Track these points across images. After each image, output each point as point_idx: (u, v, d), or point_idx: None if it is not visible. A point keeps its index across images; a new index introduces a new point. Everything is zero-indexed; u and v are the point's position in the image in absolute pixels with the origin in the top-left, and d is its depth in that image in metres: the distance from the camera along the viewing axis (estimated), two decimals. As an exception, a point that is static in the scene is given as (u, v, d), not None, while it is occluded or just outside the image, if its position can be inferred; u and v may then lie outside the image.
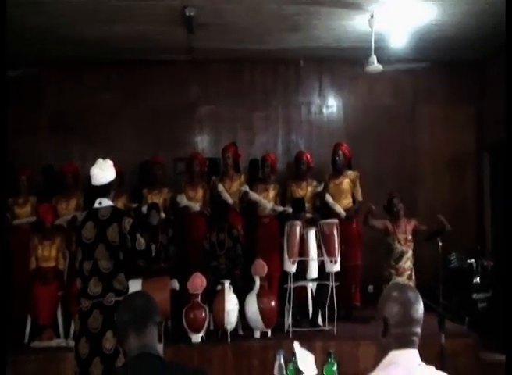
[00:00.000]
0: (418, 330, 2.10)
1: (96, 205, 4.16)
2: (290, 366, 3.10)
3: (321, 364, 3.30)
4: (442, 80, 8.17)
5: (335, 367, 3.10)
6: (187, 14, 5.92)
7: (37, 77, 7.87)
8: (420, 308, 2.12)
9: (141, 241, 4.20)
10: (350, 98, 8.29)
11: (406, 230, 6.37)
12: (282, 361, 3.11)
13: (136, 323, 2.14)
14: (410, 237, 6.36)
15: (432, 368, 2.10)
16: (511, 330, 4.42)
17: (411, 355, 2.08)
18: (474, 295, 6.36)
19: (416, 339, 2.09)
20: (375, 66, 6.43)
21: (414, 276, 6.32)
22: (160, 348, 2.18)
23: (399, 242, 6.32)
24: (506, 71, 4.95)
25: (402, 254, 6.30)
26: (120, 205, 6.36)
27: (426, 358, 2.11)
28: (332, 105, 8.31)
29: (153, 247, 4.55)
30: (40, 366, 5.37)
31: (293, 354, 3.14)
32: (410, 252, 6.34)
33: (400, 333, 2.07)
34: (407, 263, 6.29)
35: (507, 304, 5.44)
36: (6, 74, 6.12)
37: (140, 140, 7.98)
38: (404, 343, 2.07)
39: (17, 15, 5.97)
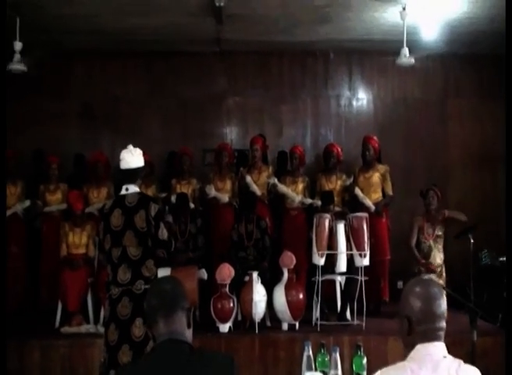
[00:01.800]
0: (443, 324, 2.08)
1: (123, 191, 4.14)
2: (319, 358, 3.06)
3: (349, 358, 3.26)
4: (474, 73, 8.08)
5: (364, 360, 3.05)
6: (217, 4, 5.89)
7: (66, 66, 7.92)
8: (443, 303, 2.09)
9: (164, 231, 4.14)
10: (380, 90, 8.23)
11: (435, 224, 6.29)
12: (310, 352, 3.07)
13: (165, 308, 2.14)
14: (440, 232, 6.27)
15: (460, 361, 2.08)
16: None
17: (437, 347, 2.06)
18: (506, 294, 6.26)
19: (441, 333, 2.08)
20: (406, 58, 6.35)
21: (444, 274, 6.25)
22: (189, 334, 2.18)
23: (428, 236, 6.24)
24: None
25: (430, 249, 6.22)
26: (150, 194, 6.37)
27: (457, 355, 2.09)
28: (362, 97, 8.25)
29: (173, 241, 4.60)
30: (69, 351, 5.43)
31: (322, 345, 3.10)
32: (440, 248, 6.26)
33: (424, 330, 2.05)
34: (436, 260, 6.21)
35: None
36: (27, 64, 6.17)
37: (168, 130, 8.02)
38: (430, 338, 2.05)
39: (47, 3, 6.01)
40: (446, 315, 2.10)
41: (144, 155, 4.33)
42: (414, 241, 6.27)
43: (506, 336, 3.99)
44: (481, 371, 2.13)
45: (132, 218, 4.04)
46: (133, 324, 3.99)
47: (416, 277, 2.24)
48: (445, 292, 5.51)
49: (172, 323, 2.12)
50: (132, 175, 4.15)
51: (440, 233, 6.30)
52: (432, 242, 6.23)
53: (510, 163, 5.00)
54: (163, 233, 4.11)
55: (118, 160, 4.20)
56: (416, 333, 2.07)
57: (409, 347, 2.09)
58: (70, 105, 7.99)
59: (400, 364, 2.05)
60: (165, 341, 2.10)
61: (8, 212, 6.56)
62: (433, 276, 5.96)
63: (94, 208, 6.59)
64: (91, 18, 6.51)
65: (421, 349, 2.05)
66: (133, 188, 4.14)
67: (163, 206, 6.28)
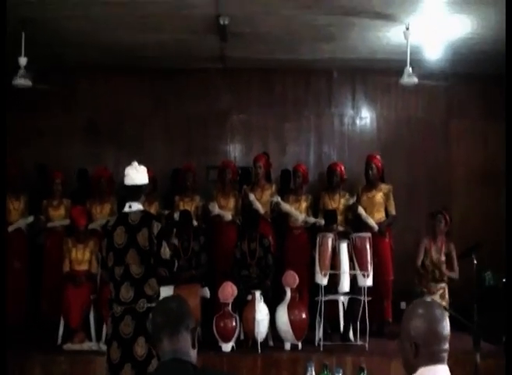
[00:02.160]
0: (447, 346, 2.07)
1: (126, 208, 4.14)
2: (321, 378, 3.06)
3: (352, 378, 3.25)
4: (477, 94, 8.09)
5: (367, 382, 3.05)
6: (221, 23, 5.95)
7: (71, 81, 7.96)
8: (447, 325, 2.08)
9: (167, 250, 4.12)
10: (384, 109, 8.25)
11: (441, 249, 6.29)
12: (313, 373, 3.06)
13: (170, 326, 2.13)
14: (443, 258, 6.28)
15: None
16: None
17: (441, 371, 2.05)
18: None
19: (445, 355, 2.07)
20: (410, 78, 6.37)
21: (447, 296, 6.25)
22: (194, 354, 2.16)
23: (432, 261, 6.25)
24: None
25: (433, 274, 6.22)
26: (153, 211, 6.40)
27: None
28: (365, 116, 8.28)
29: (176, 262, 4.57)
30: (71, 368, 5.42)
31: (325, 366, 3.09)
32: (443, 273, 6.27)
33: (430, 352, 2.04)
34: (439, 284, 6.22)
35: None
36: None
37: (171, 147, 8.05)
38: (434, 360, 2.04)
39: (52, 19, 6.04)
40: (449, 337, 2.09)
41: (148, 171, 4.34)
42: (420, 261, 6.26)
43: (506, 357, 3.97)
44: None
45: (135, 236, 4.04)
46: (135, 343, 3.97)
47: (418, 300, 2.22)
48: (448, 314, 5.52)
49: (176, 341, 2.11)
50: (136, 192, 4.15)
51: (444, 258, 6.32)
52: (436, 269, 6.24)
53: (510, 181, 4.99)
54: (165, 252, 4.08)
55: (121, 176, 4.22)
56: (421, 355, 2.05)
57: (410, 370, 2.07)
58: (74, 120, 8.01)
59: None
60: (169, 360, 2.09)
61: (12, 228, 6.58)
62: (436, 298, 5.95)
63: (98, 225, 6.58)
64: (96, 33, 6.56)
65: (424, 372, 2.03)
66: (137, 206, 4.13)
67: (168, 225, 6.28)
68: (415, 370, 2.05)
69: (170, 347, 2.10)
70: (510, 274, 4.75)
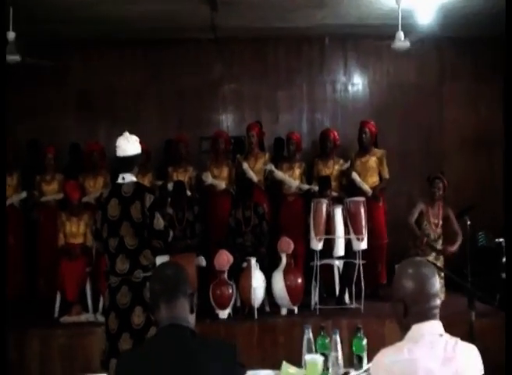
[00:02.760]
0: (437, 303, 2.10)
1: (119, 180, 4.12)
2: (319, 341, 3.08)
3: (348, 340, 3.29)
4: (469, 56, 8.06)
5: (364, 342, 3.07)
6: (212, -9, 5.88)
7: (62, 56, 7.88)
8: (436, 282, 2.11)
9: (160, 221, 4.09)
10: (376, 75, 8.21)
11: (439, 214, 6.31)
12: (310, 335, 3.09)
13: (167, 293, 2.14)
14: (441, 222, 6.31)
15: (457, 339, 2.10)
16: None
17: (433, 326, 2.08)
18: (503, 275, 6.30)
19: (436, 311, 2.10)
20: (402, 42, 6.32)
21: (441, 257, 6.29)
22: (192, 319, 2.18)
23: (429, 225, 6.28)
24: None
25: (429, 237, 6.26)
26: (146, 182, 6.40)
27: (455, 336, 2.10)
28: (357, 82, 8.24)
29: (171, 232, 4.59)
30: (69, 341, 5.45)
31: (322, 328, 3.12)
32: (439, 242, 6.31)
33: (419, 311, 2.07)
34: (437, 246, 6.27)
35: None
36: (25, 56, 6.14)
37: (164, 118, 8.01)
38: (425, 317, 2.07)
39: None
40: (439, 294, 2.13)
41: (140, 143, 4.32)
42: (413, 219, 6.27)
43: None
44: (480, 351, 2.14)
45: (128, 208, 4.02)
46: (132, 312, 3.99)
47: (407, 259, 2.23)
48: (442, 273, 5.56)
49: (174, 308, 2.12)
50: (129, 163, 4.11)
51: (441, 222, 6.35)
52: (432, 232, 6.28)
53: (508, 152, 4.98)
54: (159, 223, 4.06)
55: (114, 149, 4.18)
56: (411, 314, 2.08)
57: (404, 328, 2.11)
58: (66, 95, 7.96)
59: (397, 344, 2.07)
60: (167, 326, 2.10)
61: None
62: (431, 258, 6.00)
63: (91, 198, 6.60)
64: (87, 7, 6.47)
65: (416, 329, 2.07)
66: (130, 177, 4.11)
67: (162, 196, 6.28)
68: (408, 328, 2.09)
69: (168, 313, 2.12)
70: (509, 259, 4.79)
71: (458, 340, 2.09)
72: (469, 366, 2.05)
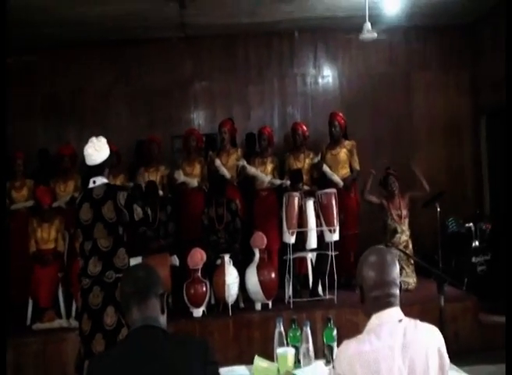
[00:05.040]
0: (394, 291, 2.12)
1: (90, 184, 4.17)
2: (291, 333, 3.10)
3: (321, 331, 3.31)
4: (436, 46, 8.12)
5: (334, 332, 3.10)
6: (180, -12, 5.87)
7: (29, 60, 7.81)
8: (394, 271, 2.13)
9: (139, 210, 4.18)
10: (345, 67, 8.24)
11: (400, 206, 6.42)
12: (282, 328, 3.10)
13: (138, 294, 2.13)
14: (405, 212, 6.39)
15: (416, 321, 2.12)
16: (511, 293, 4.43)
17: (391, 314, 2.10)
18: (473, 259, 6.38)
19: (393, 299, 2.12)
20: (369, 33, 6.35)
21: (411, 246, 6.38)
22: (163, 319, 2.17)
23: (393, 219, 6.38)
24: (506, 34, 4.86)
25: (395, 231, 6.33)
26: (118, 184, 6.36)
27: (426, 322, 2.12)
28: (327, 75, 8.26)
29: (149, 212, 4.62)
30: (42, 347, 5.40)
31: (293, 321, 3.13)
32: (406, 226, 6.39)
33: (375, 297, 2.10)
34: (402, 238, 6.34)
35: (506, 267, 5.45)
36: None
37: (134, 119, 7.96)
38: (383, 305, 2.10)
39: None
40: (398, 282, 2.14)
41: (111, 145, 4.32)
42: (367, 197, 6.44)
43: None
44: (450, 335, 2.18)
45: (100, 210, 4.07)
46: (104, 313, 4.02)
47: (371, 247, 2.24)
48: (412, 261, 5.59)
49: (145, 309, 2.12)
50: (99, 169, 4.17)
51: (406, 212, 6.41)
52: (397, 225, 6.34)
53: (509, 126, 5.03)
54: (138, 214, 4.15)
55: (83, 150, 4.18)
56: (368, 300, 2.12)
57: (367, 316, 2.14)
58: (34, 99, 7.87)
59: (359, 336, 2.09)
60: (139, 327, 2.10)
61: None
62: (401, 246, 6.08)
63: (62, 202, 6.55)
64: (52, 9, 6.43)
65: (375, 318, 2.10)
66: (101, 180, 4.16)
67: (135, 197, 6.25)
68: (369, 317, 2.12)
69: (139, 315, 2.11)
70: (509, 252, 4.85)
71: (417, 321, 2.11)
72: (429, 345, 2.06)
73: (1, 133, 4.78)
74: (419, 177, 6.48)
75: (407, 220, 6.41)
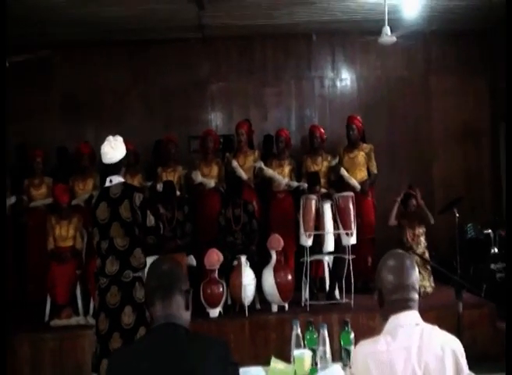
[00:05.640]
0: (413, 295, 2.13)
1: (107, 183, 4.18)
2: (308, 336, 3.09)
3: (338, 335, 3.30)
4: (455, 50, 8.11)
5: (352, 336, 3.09)
6: (199, -10, 5.89)
7: (49, 59, 7.85)
8: (413, 275, 2.14)
9: (151, 218, 4.18)
10: (363, 70, 8.23)
11: (415, 226, 6.38)
12: (299, 330, 3.10)
13: (163, 290, 2.12)
14: (420, 230, 6.36)
15: (434, 327, 2.11)
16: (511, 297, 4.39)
17: (409, 316, 2.10)
18: (492, 265, 6.33)
19: (412, 303, 2.12)
20: (388, 37, 6.33)
21: (427, 253, 6.36)
22: (187, 316, 2.16)
23: (407, 239, 6.34)
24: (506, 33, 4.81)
25: (411, 248, 6.30)
26: (136, 184, 6.39)
27: (443, 328, 2.11)
28: (345, 78, 8.26)
29: (161, 225, 4.64)
30: (59, 344, 5.44)
31: (310, 323, 3.13)
32: (422, 242, 6.36)
33: (394, 300, 2.10)
34: (418, 251, 6.32)
35: (507, 268, 5.39)
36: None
37: (152, 118, 8.01)
38: (401, 308, 2.10)
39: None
40: (417, 286, 2.15)
41: (128, 144, 4.34)
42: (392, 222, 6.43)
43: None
44: (468, 342, 2.16)
45: (117, 209, 4.08)
46: (122, 312, 4.03)
47: (390, 251, 2.24)
48: (430, 267, 5.56)
49: (169, 306, 2.11)
50: (115, 167, 4.17)
51: (421, 230, 6.39)
52: (413, 244, 6.32)
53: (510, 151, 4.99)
54: (150, 220, 4.15)
55: (100, 149, 4.20)
56: (387, 304, 2.12)
57: (384, 319, 2.14)
58: (52, 97, 7.93)
59: (375, 337, 2.09)
60: (161, 324, 2.09)
61: (-6, 209, 6.55)
62: (420, 251, 6.06)
63: (81, 200, 6.59)
64: (71, 9, 6.46)
65: (392, 320, 2.10)
66: (117, 179, 4.16)
67: (151, 197, 6.29)
68: (387, 319, 2.12)
69: (162, 311, 2.10)
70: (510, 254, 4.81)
71: (435, 327, 2.11)
72: (446, 350, 2.05)
73: (1, 133, 4.79)
74: (424, 210, 6.42)
75: (422, 238, 6.38)
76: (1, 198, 5.26)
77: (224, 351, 2.10)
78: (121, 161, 4.19)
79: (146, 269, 4.02)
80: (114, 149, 4.15)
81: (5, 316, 4.46)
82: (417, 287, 2.15)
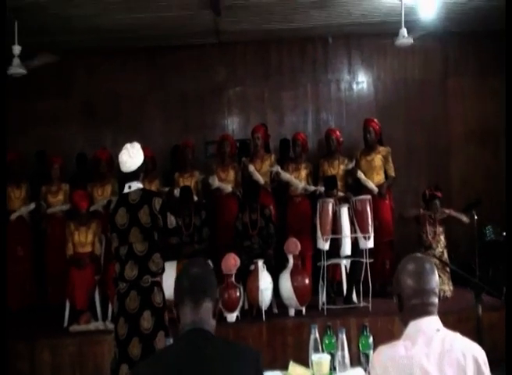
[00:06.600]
0: (433, 300, 2.11)
1: (126, 189, 4.20)
2: (326, 340, 3.08)
3: (356, 339, 3.29)
4: (473, 51, 8.03)
5: (370, 340, 3.07)
6: (214, -3, 5.92)
7: (66, 66, 7.95)
8: (433, 279, 2.12)
9: (172, 219, 4.20)
10: (380, 72, 8.20)
11: (436, 224, 6.32)
12: (317, 335, 3.09)
13: (194, 294, 2.10)
14: (440, 229, 6.31)
15: (456, 334, 2.09)
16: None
17: (429, 322, 2.08)
18: (512, 269, 6.26)
19: (432, 308, 2.10)
20: (405, 39, 6.32)
21: (446, 254, 6.31)
22: (213, 323, 2.14)
23: (427, 236, 6.28)
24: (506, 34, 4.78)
25: (430, 247, 6.25)
26: (153, 189, 6.42)
27: (463, 331, 2.09)
28: (362, 81, 8.23)
29: (180, 222, 4.67)
30: (79, 349, 5.46)
31: (328, 327, 3.12)
32: (441, 241, 6.31)
33: (414, 305, 2.08)
34: (436, 251, 6.28)
35: (507, 269, 5.32)
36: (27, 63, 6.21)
37: (169, 124, 8.05)
38: (421, 313, 2.08)
39: (45, 6, 6.04)
40: (437, 291, 2.13)
41: (146, 150, 4.35)
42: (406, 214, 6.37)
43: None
44: (488, 345, 2.13)
45: (136, 215, 4.09)
46: (141, 317, 4.03)
47: (409, 255, 2.23)
48: (449, 269, 5.50)
49: (197, 312, 2.08)
50: (133, 174, 4.19)
51: (441, 229, 6.34)
52: (433, 242, 6.27)
53: (510, 140, 4.96)
54: (171, 222, 4.18)
55: (118, 157, 4.23)
56: (407, 309, 2.10)
57: (404, 324, 2.12)
58: (71, 104, 8.02)
59: (395, 342, 2.08)
60: (190, 330, 2.07)
61: (14, 216, 6.60)
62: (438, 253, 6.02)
63: (99, 206, 6.65)
64: (89, 17, 6.54)
65: (413, 326, 2.08)
66: (136, 185, 4.18)
67: (169, 202, 6.31)
68: (407, 325, 2.11)
69: (192, 317, 2.08)
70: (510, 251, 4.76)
71: (457, 334, 2.08)
72: (467, 356, 2.02)
73: (1, 135, 4.85)
74: (455, 216, 6.36)
75: (442, 236, 6.33)
76: (1, 198, 5.32)
77: (255, 359, 2.08)
78: (139, 168, 4.20)
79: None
80: (132, 157, 4.16)
81: (5, 316, 4.49)
82: (437, 291, 2.13)
